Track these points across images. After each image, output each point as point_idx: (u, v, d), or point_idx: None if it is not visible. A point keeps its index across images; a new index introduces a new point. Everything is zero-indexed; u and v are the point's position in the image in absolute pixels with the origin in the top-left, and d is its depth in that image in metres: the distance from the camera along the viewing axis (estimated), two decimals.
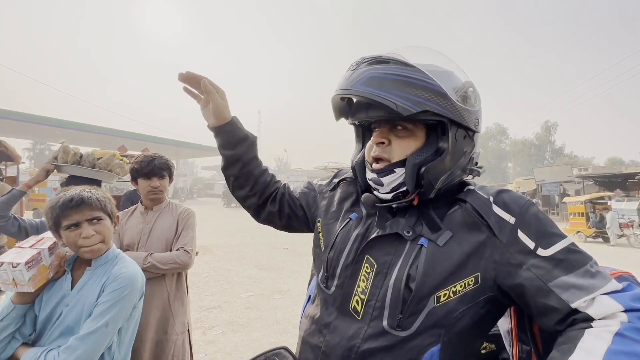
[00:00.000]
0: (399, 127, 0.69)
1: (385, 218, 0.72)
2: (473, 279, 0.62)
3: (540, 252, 0.59)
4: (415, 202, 0.70)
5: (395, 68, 0.64)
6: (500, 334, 1.06)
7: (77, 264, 1.12)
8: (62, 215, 1.02)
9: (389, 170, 0.68)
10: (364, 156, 0.76)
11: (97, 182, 1.55)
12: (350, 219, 0.76)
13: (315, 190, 0.92)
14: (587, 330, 0.52)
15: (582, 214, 12.49)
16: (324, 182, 0.92)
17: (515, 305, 0.69)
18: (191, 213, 1.75)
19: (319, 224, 0.83)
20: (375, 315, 0.64)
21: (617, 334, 0.49)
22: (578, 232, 12.34)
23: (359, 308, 0.66)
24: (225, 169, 0.88)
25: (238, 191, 0.90)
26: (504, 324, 0.87)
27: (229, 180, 0.90)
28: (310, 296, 0.81)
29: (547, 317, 0.58)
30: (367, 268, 0.68)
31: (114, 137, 19.83)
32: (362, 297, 0.66)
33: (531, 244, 0.60)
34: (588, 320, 0.53)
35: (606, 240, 11.45)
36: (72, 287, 1.06)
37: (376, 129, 0.72)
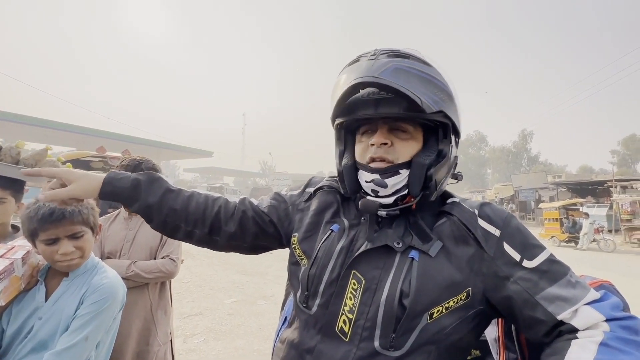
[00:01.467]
0: (400, 129, 0.66)
1: (372, 229, 0.67)
2: (465, 294, 0.61)
3: (526, 263, 0.61)
4: (413, 207, 0.68)
5: (417, 64, 0.62)
6: (485, 340, 1.08)
7: (52, 274, 1.05)
8: (40, 229, 0.96)
9: (393, 171, 0.64)
10: (353, 159, 0.70)
11: (19, 183, 1.28)
12: (332, 230, 0.70)
13: (287, 202, 0.82)
14: (573, 341, 0.54)
15: (556, 219, 13.02)
16: (296, 192, 0.83)
17: (501, 317, 0.69)
18: None
19: (294, 239, 0.75)
20: (365, 335, 0.60)
21: (602, 344, 0.51)
22: (552, 236, 12.87)
23: (346, 329, 0.61)
24: (149, 223, 0.79)
25: (178, 234, 0.80)
26: (492, 333, 0.88)
27: (163, 231, 0.80)
28: (286, 318, 0.75)
29: (534, 330, 0.59)
30: (355, 284, 0.63)
31: (93, 137, 18.91)
32: (350, 316, 0.61)
33: (517, 256, 0.61)
34: (573, 331, 0.55)
35: (576, 244, 11.96)
36: (47, 298, 1.00)
37: (368, 130, 0.68)
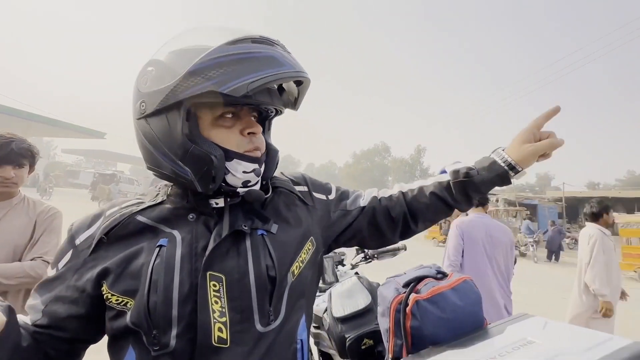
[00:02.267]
0: (255, 119, 0.67)
1: (208, 225, 0.63)
2: (310, 243, 0.71)
3: (330, 197, 0.82)
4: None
5: None
6: (377, 330, 1.23)
7: None
8: None
9: (263, 159, 0.67)
10: (221, 148, 0.60)
11: None
12: (161, 245, 0.59)
13: (64, 279, 0.61)
14: (384, 197, 0.83)
15: (437, 223, 15.57)
16: (68, 257, 0.62)
17: (349, 240, 0.84)
18: (56, 214, 1.41)
19: (104, 289, 0.58)
20: (246, 327, 0.57)
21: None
22: (433, 237, 15.36)
23: (224, 335, 0.55)
24: None
25: None
26: (384, 323, 1.01)
27: None
28: None
29: (358, 221, 0.81)
30: (215, 285, 0.57)
31: None
32: (223, 319, 0.56)
33: (323, 197, 0.81)
34: (375, 198, 0.83)
35: None
36: None
37: (227, 115, 0.61)
